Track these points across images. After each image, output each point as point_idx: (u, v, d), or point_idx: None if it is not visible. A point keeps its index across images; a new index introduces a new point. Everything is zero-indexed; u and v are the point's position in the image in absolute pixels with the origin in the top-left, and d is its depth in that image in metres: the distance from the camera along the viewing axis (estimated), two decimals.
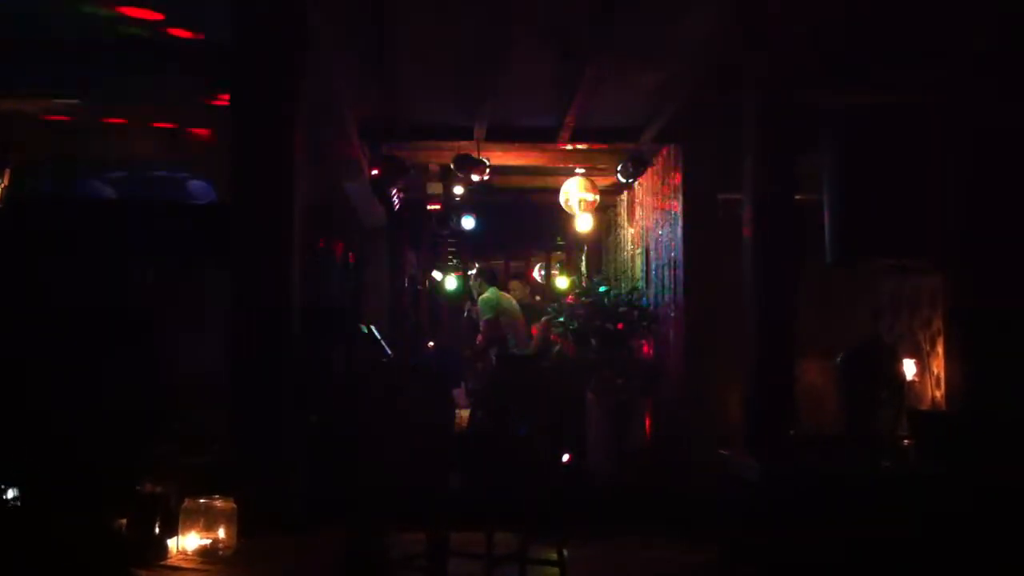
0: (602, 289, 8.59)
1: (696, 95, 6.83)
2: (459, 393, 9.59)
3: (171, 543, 4.84)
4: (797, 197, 5.54)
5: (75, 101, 6.57)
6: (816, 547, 4.50)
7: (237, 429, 5.28)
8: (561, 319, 8.43)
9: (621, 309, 8.28)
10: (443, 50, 6.41)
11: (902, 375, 5.49)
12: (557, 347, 8.79)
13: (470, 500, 4.80)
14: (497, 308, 8.59)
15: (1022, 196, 5.46)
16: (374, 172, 9.05)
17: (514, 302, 8.96)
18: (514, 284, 12.46)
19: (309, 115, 5.67)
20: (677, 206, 7.96)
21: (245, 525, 4.94)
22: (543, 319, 8.88)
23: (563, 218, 9.97)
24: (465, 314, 9.94)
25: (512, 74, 6.68)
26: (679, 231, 7.89)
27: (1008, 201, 5.52)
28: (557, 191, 9.44)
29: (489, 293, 8.70)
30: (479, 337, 9.29)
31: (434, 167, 9.64)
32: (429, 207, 10.49)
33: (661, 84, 6.84)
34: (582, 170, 9.34)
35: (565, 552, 4.74)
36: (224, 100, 5.90)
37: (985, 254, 5.64)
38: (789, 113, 5.31)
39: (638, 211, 9.71)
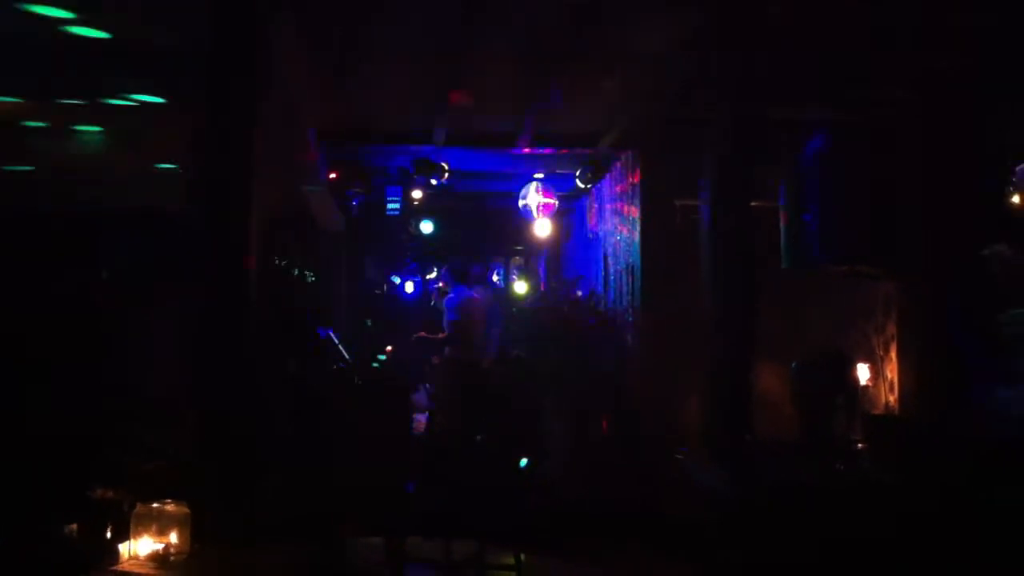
0: (561, 294, 8.59)
1: (654, 103, 6.86)
2: (418, 398, 9.52)
3: (123, 548, 4.76)
4: (754, 204, 5.59)
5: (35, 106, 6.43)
6: (782, 554, 4.51)
7: (192, 435, 5.22)
8: (519, 324, 8.42)
9: (577, 311, 8.29)
10: (402, 55, 6.38)
11: (856, 380, 5.55)
12: (515, 353, 8.78)
13: (427, 506, 4.78)
14: (461, 310, 8.59)
15: (971, 207, 5.56)
16: (332, 176, 9.00)
17: (480, 304, 8.93)
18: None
19: (267, 118, 5.61)
20: (635, 211, 8.00)
21: (200, 532, 4.88)
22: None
23: (522, 223, 9.99)
24: (432, 303, 9.88)
25: (471, 79, 6.67)
26: (637, 236, 7.92)
27: (959, 211, 5.63)
28: (516, 196, 9.45)
29: (455, 294, 8.69)
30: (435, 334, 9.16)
31: (393, 171, 9.60)
32: (388, 211, 10.45)
33: (621, 91, 6.86)
34: (541, 175, 9.35)
35: (522, 557, 4.73)
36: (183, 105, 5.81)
37: (938, 262, 5.74)
38: (751, 124, 5.35)
39: (596, 216, 9.74)
